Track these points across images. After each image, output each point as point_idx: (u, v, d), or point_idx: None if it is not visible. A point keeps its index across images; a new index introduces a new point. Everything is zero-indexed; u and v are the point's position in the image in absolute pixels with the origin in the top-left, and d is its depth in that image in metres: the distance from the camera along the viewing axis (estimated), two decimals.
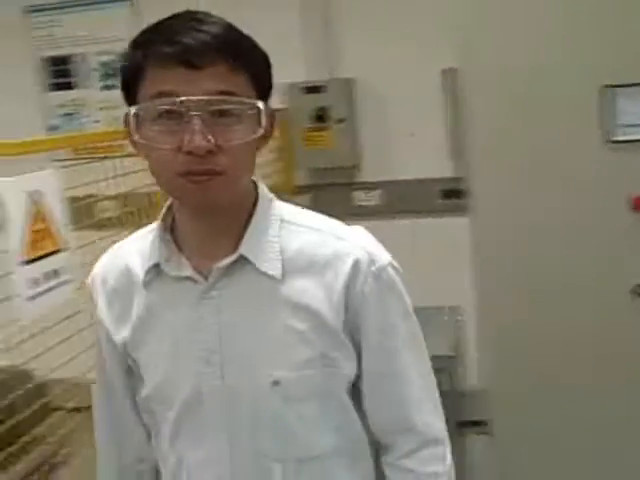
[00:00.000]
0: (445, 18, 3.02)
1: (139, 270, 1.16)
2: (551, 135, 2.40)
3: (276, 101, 3.47)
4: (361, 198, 3.56)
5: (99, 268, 1.24)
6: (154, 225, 1.18)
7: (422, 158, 3.46)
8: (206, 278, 1.11)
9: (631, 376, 2.46)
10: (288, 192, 3.53)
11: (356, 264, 1.11)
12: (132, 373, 1.22)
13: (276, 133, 3.42)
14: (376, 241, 1.17)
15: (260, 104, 1.04)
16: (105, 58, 3.73)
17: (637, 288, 2.41)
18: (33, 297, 1.81)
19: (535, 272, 2.48)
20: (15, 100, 3.70)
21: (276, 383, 1.10)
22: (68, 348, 1.95)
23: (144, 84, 1.03)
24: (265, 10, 3.38)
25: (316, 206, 3.69)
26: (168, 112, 1.01)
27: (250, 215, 1.13)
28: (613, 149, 2.37)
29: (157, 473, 1.28)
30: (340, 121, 3.40)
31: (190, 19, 1.04)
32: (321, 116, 3.40)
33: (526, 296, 2.50)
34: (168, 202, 1.16)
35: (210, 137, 1.00)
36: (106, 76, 3.76)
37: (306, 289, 1.11)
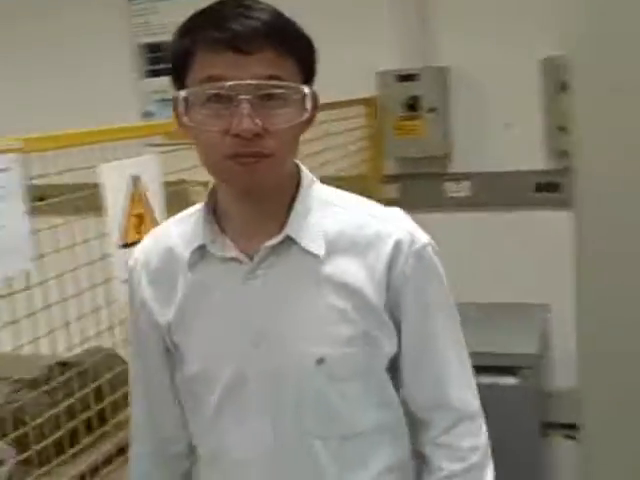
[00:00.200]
0: (547, 5, 2.93)
1: (182, 252, 1.19)
2: None
3: (368, 89, 3.48)
4: (451, 189, 3.49)
5: (141, 250, 1.27)
6: (195, 208, 1.22)
7: (516, 149, 3.36)
8: (251, 259, 1.14)
9: None
10: (376, 181, 3.50)
11: (397, 244, 1.15)
12: (171, 355, 1.24)
13: (366, 121, 3.43)
14: (414, 222, 1.21)
15: (305, 88, 1.08)
16: None
17: None
18: None
19: None
20: (114, 86, 3.80)
21: (320, 361, 1.13)
22: None
23: (193, 69, 1.07)
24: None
25: (404, 196, 3.72)
26: (217, 96, 1.05)
27: (293, 197, 1.16)
28: None
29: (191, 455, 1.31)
30: (432, 110, 3.33)
31: (238, 5, 1.07)
32: (413, 105, 3.34)
33: (630, 296, 2.38)
34: (211, 185, 1.19)
35: (257, 120, 1.03)
36: None
37: (349, 269, 1.14)
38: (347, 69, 3.33)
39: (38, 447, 1.75)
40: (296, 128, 1.09)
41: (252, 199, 1.14)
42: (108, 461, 1.92)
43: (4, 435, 1.78)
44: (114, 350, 2.02)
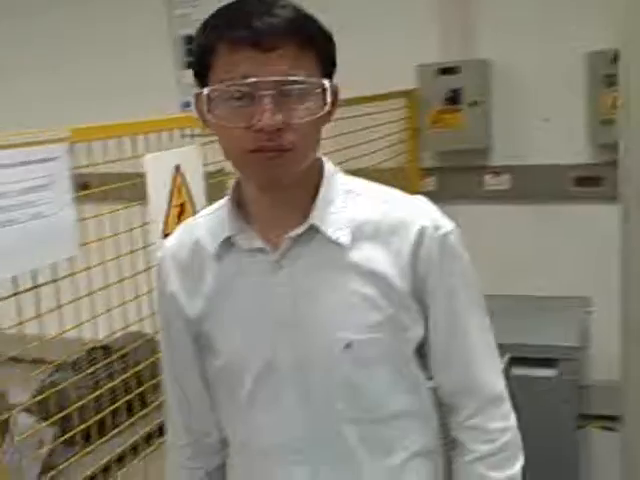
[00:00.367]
0: None
1: (210, 244, 1.22)
2: None
3: (408, 82, 3.48)
4: (490, 182, 3.48)
5: (170, 244, 1.29)
6: (221, 202, 1.25)
7: (556, 143, 3.34)
8: (277, 249, 1.17)
9: None
10: (414, 173, 3.50)
11: (421, 231, 1.16)
12: (200, 346, 1.26)
13: (406, 114, 3.43)
14: (440, 211, 1.22)
15: (326, 83, 1.10)
16: None
17: None
18: None
19: None
20: (156, 77, 3.85)
21: (348, 346, 1.15)
22: None
23: (215, 66, 1.09)
24: None
25: (443, 189, 3.72)
26: (239, 93, 1.07)
27: (317, 188, 1.18)
28: None
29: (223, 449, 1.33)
30: (473, 103, 3.32)
31: (260, 2, 1.09)
32: (454, 98, 3.33)
33: None
34: (236, 179, 1.22)
35: (279, 115, 1.05)
36: None
37: (374, 256, 1.16)
38: (388, 62, 3.34)
39: (79, 428, 1.80)
40: (317, 122, 1.11)
41: (275, 191, 1.16)
42: (147, 442, 1.96)
43: (47, 416, 1.83)
44: (153, 336, 2.06)
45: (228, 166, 2.07)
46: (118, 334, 1.98)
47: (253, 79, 1.05)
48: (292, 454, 1.21)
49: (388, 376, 1.19)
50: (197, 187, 2.04)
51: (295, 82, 1.07)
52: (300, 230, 1.16)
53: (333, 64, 1.15)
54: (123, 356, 2.03)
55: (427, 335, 1.22)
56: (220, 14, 1.11)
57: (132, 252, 1.88)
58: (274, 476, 1.23)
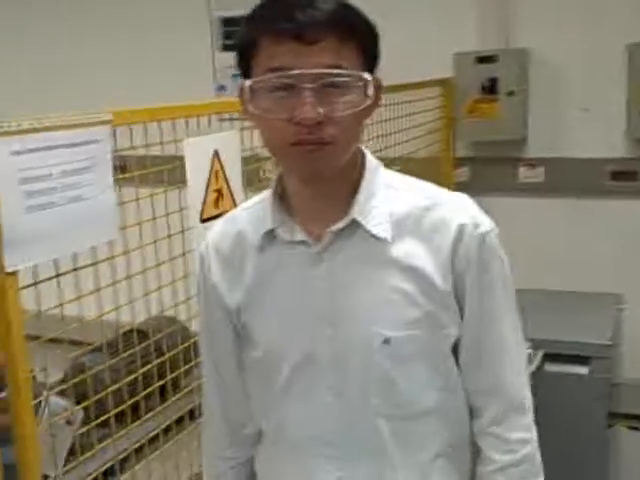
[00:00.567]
0: None
1: (252, 236, 1.22)
2: None
3: (444, 70, 3.44)
4: (525, 174, 3.43)
5: (213, 235, 1.30)
6: (264, 194, 1.25)
7: (594, 136, 3.29)
8: (318, 242, 1.17)
9: None
10: (448, 163, 3.47)
11: (462, 229, 1.16)
12: (239, 336, 1.27)
13: (441, 103, 3.39)
14: (480, 208, 1.21)
15: (368, 76, 1.09)
16: None
17: None
18: None
19: None
20: (192, 59, 3.84)
21: (386, 342, 1.15)
22: None
23: (259, 57, 1.09)
24: None
25: (476, 179, 3.68)
26: (281, 85, 1.07)
27: (358, 182, 1.18)
28: None
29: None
30: (510, 93, 3.28)
31: None
32: (490, 87, 3.29)
33: None
34: (279, 171, 1.22)
35: (320, 108, 1.05)
36: None
37: (414, 252, 1.16)
38: (424, 50, 3.30)
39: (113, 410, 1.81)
40: (358, 115, 1.10)
41: (317, 184, 1.16)
42: (179, 425, 1.97)
43: (78, 397, 1.84)
44: (185, 323, 2.07)
45: (263, 152, 2.07)
46: (153, 318, 1.98)
47: (295, 71, 1.05)
48: (324, 447, 1.22)
49: (424, 373, 1.19)
50: (235, 172, 2.03)
51: (336, 75, 1.06)
52: (342, 224, 1.16)
53: (376, 57, 1.15)
54: (156, 340, 2.03)
55: (461, 334, 1.21)
56: (263, 6, 1.11)
57: (170, 236, 1.87)
58: (306, 468, 1.24)
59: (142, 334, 2.17)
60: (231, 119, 2.07)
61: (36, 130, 1.42)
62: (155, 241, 1.83)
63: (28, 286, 1.45)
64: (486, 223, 1.19)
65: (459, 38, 3.34)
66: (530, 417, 1.24)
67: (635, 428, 3.00)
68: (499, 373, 1.22)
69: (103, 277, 1.71)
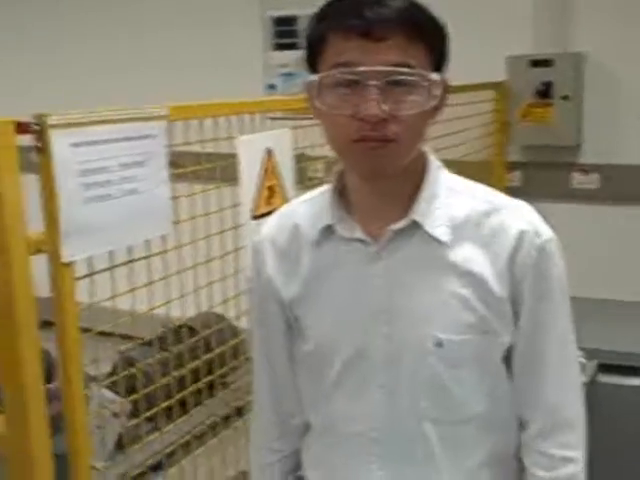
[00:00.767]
0: None
1: (309, 230, 1.22)
2: None
3: (497, 73, 3.39)
4: (579, 180, 3.37)
5: (269, 228, 1.30)
6: (322, 189, 1.25)
7: None
8: (375, 241, 1.17)
9: None
10: (500, 167, 3.43)
11: (521, 236, 1.15)
12: (291, 329, 1.27)
13: (494, 106, 3.35)
14: (540, 216, 1.20)
15: (434, 76, 1.09)
16: None
17: None
18: None
19: None
20: (243, 57, 3.86)
21: (439, 345, 1.15)
22: None
23: (326, 54, 1.10)
24: None
25: (528, 184, 3.62)
26: (347, 81, 1.07)
27: (420, 182, 1.18)
28: None
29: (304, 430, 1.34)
30: (565, 98, 3.22)
31: None
32: (545, 91, 3.24)
33: None
34: (340, 167, 1.22)
35: (384, 106, 1.05)
36: None
37: (472, 257, 1.15)
38: (477, 52, 3.26)
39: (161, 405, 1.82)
40: (423, 115, 1.10)
41: (378, 183, 1.16)
42: (226, 422, 1.97)
43: (125, 390, 1.86)
44: (234, 320, 2.07)
45: (310, 151, 2.07)
46: (202, 314, 1.99)
47: (361, 68, 1.05)
48: (370, 444, 1.21)
49: (475, 378, 1.18)
50: (286, 170, 2.03)
51: (402, 73, 1.06)
52: (401, 224, 1.16)
53: (444, 57, 1.14)
54: (205, 336, 2.04)
55: (513, 342, 1.19)
56: (333, 3, 1.11)
57: (222, 232, 1.88)
58: (350, 464, 1.24)
59: (191, 330, 2.18)
60: (283, 118, 2.07)
61: (95, 123, 1.44)
62: (207, 236, 1.84)
63: (84, 277, 1.47)
64: (547, 231, 1.18)
65: (513, 41, 3.29)
66: (579, 434, 1.21)
67: None
68: (548, 385, 1.20)
69: (155, 271, 1.72)
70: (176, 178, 1.72)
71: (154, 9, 4.14)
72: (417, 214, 1.15)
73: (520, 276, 1.15)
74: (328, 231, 1.21)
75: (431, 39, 1.10)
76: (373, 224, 1.17)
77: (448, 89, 1.14)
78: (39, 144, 1.35)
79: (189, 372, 1.90)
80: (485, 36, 3.32)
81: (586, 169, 3.35)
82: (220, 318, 2.22)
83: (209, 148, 1.84)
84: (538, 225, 1.18)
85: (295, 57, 3.90)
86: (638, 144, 3.24)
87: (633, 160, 3.25)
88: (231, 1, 3.92)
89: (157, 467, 1.82)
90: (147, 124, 1.57)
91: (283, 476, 1.38)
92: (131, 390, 1.83)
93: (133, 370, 1.84)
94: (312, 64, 1.13)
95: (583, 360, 2.17)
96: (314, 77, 1.11)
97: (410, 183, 1.17)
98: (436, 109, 1.13)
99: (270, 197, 1.96)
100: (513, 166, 3.47)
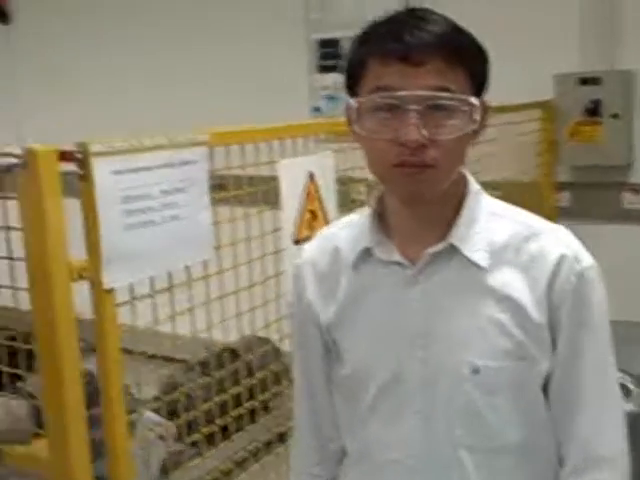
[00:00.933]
0: None
1: (348, 253, 1.22)
2: None
3: (545, 92, 3.35)
4: (630, 200, 3.29)
5: (309, 251, 1.30)
6: (362, 213, 1.25)
7: None
8: (413, 264, 1.16)
9: None
10: (548, 188, 3.37)
11: (560, 262, 1.13)
12: (329, 353, 1.27)
13: (542, 125, 3.30)
14: (580, 242, 1.18)
15: (474, 100, 1.08)
16: None
17: None
18: None
19: None
20: (288, 80, 3.89)
21: (476, 371, 1.13)
22: None
23: (366, 78, 1.10)
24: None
25: (577, 205, 3.55)
26: (386, 105, 1.07)
27: (459, 206, 1.17)
28: None
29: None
30: (614, 116, 3.16)
31: (414, 17, 1.09)
32: (594, 110, 3.18)
33: None
34: (380, 190, 1.21)
35: (424, 131, 1.05)
36: None
37: (511, 282, 1.14)
38: (524, 71, 3.23)
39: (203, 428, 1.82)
40: (462, 139, 1.10)
41: (417, 207, 1.16)
42: (267, 448, 1.96)
43: (174, 414, 1.86)
44: (277, 344, 2.07)
45: (355, 174, 2.06)
46: (245, 338, 1.99)
47: (401, 92, 1.05)
48: (406, 473, 1.19)
49: (510, 406, 1.15)
50: (329, 193, 2.03)
51: (442, 97, 1.06)
52: (439, 248, 1.15)
53: (484, 81, 1.13)
54: (248, 361, 2.04)
55: (551, 367, 1.16)
56: (373, 27, 1.12)
57: (263, 257, 1.88)
58: None
59: (233, 353, 2.19)
60: (326, 141, 2.07)
61: (137, 150, 1.46)
62: (249, 261, 1.84)
63: (124, 303, 1.48)
64: (586, 258, 1.16)
65: (561, 59, 3.25)
66: (619, 472, 1.16)
67: None
68: (583, 415, 1.16)
69: (197, 294, 1.73)
70: (218, 201, 1.73)
71: (200, 32, 4.20)
72: (455, 238, 1.15)
73: (558, 302, 1.13)
74: (366, 254, 1.20)
75: (470, 63, 1.10)
76: (412, 248, 1.17)
77: (488, 112, 1.14)
78: (82, 172, 1.37)
79: (232, 397, 1.90)
80: (532, 54, 3.28)
81: (637, 189, 3.28)
82: (263, 341, 2.23)
83: (252, 172, 1.85)
84: (578, 251, 1.16)
85: (338, 80, 3.92)
86: None
87: None
88: (277, 24, 3.96)
89: None
90: (188, 150, 1.58)
91: None
92: (173, 414, 1.84)
93: (176, 393, 1.85)
94: (352, 88, 1.14)
95: (631, 386, 2.11)
96: (354, 101, 1.11)
97: (449, 207, 1.17)
98: (476, 133, 1.13)
99: (312, 220, 1.96)
100: (562, 186, 3.41)
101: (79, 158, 1.37)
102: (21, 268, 1.38)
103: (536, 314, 1.13)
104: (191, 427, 1.85)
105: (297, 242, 1.89)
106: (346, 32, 3.79)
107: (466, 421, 1.15)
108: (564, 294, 1.13)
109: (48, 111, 4.55)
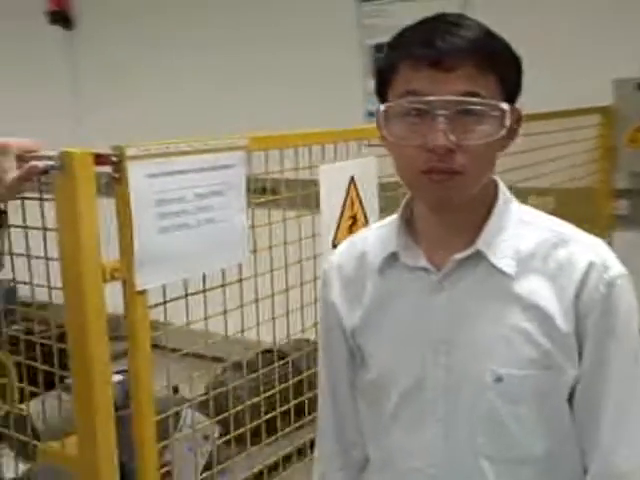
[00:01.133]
0: None
1: (375, 258, 1.22)
2: None
3: (603, 97, 3.26)
4: None
5: (337, 255, 1.30)
6: (391, 217, 1.24)
7: None
8: (439, 270, 1.15)
9: None
10: (606, 195, 3.28)
11: (589, 270, 1.11)
12: (354, 358, 1.27)
13: (600, 131, 3.22)
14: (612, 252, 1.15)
15: (505, 106, 1.06)
16: None
17: None
18: None
19: None
20: (343, 85, 3.89)
21: (499, 380, 1.12)
22: None
23: (397, 83, 1.09)
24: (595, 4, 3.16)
25: (635, 213, 3.43)
26: (415, 110, 1.06)
27: (488, 212, 1.15)
28: None
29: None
30: None
31: (447, 22, 1.08)
32: None
33: None
34: (408, 196, 1.21)
35: (452, 137, 1.04)
36: None
37: (538, 290, 1.12)
38: (582, 76, 3.15)
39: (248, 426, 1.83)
40: (492, 145, 1.08)
41: (445, 213, 1.15)
42: (301, 452, 1.96)
43: (214, 413, 1.88)
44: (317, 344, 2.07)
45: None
46: (292, 341, 1.99)
47: (430, 97, 1.04)
48: None
49: (534, 416, 1.13)
50: (371, 199, 2.01)
51: (471, 103, 1.05)
52: (465, 254, 1.13)
53: (517, 87, 1.12)
54: (289, 362, 2.04)
55: (577, 376, 1.13)
56: (405, 32, 1.11)
57: (300, 261, 1.88)
58: None
59: (282, 355, 2.19)
60: (369, 145, 2.06)
61: (173, 154, 1.48)
62: (285, 266, 1.85)
63: (156, 305, 1.50)
64: (617, 267, 1.12)
65: (620, 64, 3.16)
66: None
67: None
68: (605, 424, 1.12)
69: (231, 297, 1.74)
70: (260, 205, 1.74)
71: (257, 37, 4.23)
72: (482, 244, 1.13)
73: (586, 311, 1.11)
74: (392, 259, 1.20)
75: (502, 69, 1.08)
76: (438, 253, 1.16)
77: (521, 120, 1.12)
78: (116, 175, 1.40)
79: (274, 398, 1.91)
80: (591, 59, 3.20)
81: None
82: (307, 343, 2.22)
83: (293, 176, 1.85)
84: (607, 259, 1.13)
85: None
86: None
87: None
88: (331, 29, 3.96)
89: None
90: (225, 154, 1.60)
91: None
92: (218, 414, 1.86)
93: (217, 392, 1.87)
94: (382, 93, 1.13)
95: None
96: (382, 106, 1.11)
97: (478, 214, 1.15)
98: (507, 140, 1.11)
99: (353, 227, 1.95)
100: (619, 194, 3.31)
101: (114, 161, 1.39)
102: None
103: (563, 323, 1.10)
104: (235, 427, 1.86)
105: (335, 247, 1.89)
106: None
107: (488, 430, 1.13)
108: (592, 303, 1.10)
109: (109, 111, 4.66)
